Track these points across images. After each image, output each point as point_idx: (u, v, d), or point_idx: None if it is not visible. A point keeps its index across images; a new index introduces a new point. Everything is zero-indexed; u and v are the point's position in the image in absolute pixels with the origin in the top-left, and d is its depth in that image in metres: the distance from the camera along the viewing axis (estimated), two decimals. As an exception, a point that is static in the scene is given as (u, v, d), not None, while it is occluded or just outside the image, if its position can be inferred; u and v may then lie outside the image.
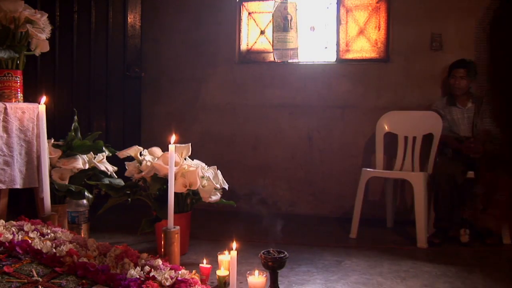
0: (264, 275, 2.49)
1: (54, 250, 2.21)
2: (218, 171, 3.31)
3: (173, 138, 2.57)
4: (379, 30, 4.62)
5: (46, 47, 3.03)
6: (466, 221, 3.72)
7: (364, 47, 4.68)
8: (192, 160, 3.30)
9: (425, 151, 4.04)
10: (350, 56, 4.70)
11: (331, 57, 4.71)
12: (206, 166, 3.29)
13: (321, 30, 4.81)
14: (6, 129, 2.71)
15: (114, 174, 3.42)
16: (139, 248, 2.42)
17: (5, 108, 2.70)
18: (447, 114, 4.05)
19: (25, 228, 2.42)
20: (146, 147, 3.42)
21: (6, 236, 2.28)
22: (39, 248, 2.21)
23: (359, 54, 4.68)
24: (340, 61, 4.67)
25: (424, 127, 4.09)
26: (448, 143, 3.95)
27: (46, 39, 2.99)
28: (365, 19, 4.66)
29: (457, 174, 3.66)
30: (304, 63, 4.77)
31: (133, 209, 3.64)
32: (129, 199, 3.30)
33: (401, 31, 4.48)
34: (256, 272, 2.48)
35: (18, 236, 2.33)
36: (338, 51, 4.68)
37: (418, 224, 3.62)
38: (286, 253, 2.54)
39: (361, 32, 4.67)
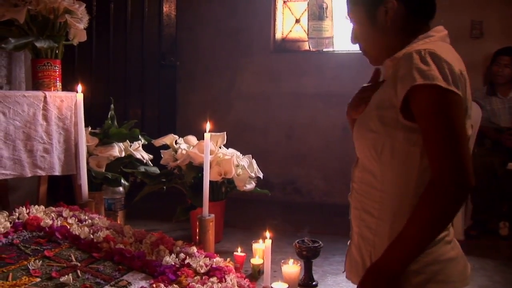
0: (299, 264, 2.49)
1: (91, 236, 2.25)
2: (253, 159, 3.31)
3: (208, 126, 2.58)
4: (416, 17, 4.53)
5: (83, 37, 3.07)
6: (506, 214, 3.63)
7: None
8: (227, 148, 3.31)
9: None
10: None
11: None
12: (241, 155, 3.30)
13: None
14: (45, 117, 2.76)
15: (150, 162, 3.45)
16: (174, 236, 2.44)
17: (45, 97, 2.75)
18: (486, 104, 3.94)
19: (64, 214, 2.47)
20: (181, 135, 3.44)
21: (46, 221, 2.34)
22: (77, 233, 2.26)
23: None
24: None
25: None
26: (487, 134, 3.85)
27: (84, 28, 3.03)
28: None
29: (496, 165, 3.57)
30: (340, 52, 4.71)
31: (168, 197, 3.67)
32: (164, 187, 3.33)
33: (439, 18, 4.35)
34: (291, 261, 2.48)
35: (57, 221, 2.38)
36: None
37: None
38: (320, 242, 2.54)
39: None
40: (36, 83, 2.87)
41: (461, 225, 3.49)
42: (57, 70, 2.92)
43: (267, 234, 2.31)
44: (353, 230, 1.44)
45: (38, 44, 2.75)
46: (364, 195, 1.35)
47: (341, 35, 4.73)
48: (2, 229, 2.19)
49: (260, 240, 2.71)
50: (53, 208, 2.55)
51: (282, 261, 2.51)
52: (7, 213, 2.39)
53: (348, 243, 1.50)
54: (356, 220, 1.40)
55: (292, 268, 2.46)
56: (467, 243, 3.36)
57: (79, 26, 2.96)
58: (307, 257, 2.53)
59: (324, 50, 4.71)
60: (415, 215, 1.20)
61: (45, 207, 2.54)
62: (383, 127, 1.26)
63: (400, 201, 1.27)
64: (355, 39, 1.45)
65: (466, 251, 1.38)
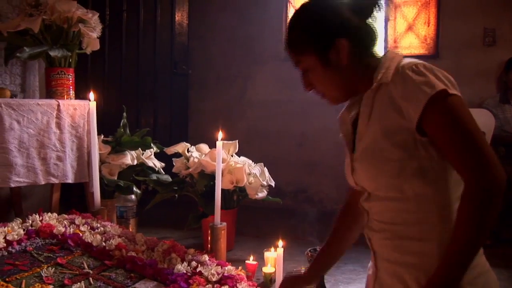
0: (310, 273, 2.47)
1: (103, 243, 2.26)
2: (265, 168, 3.30)
3: (220, 135, 2.58)
4: (428, 25, 4.52)
5: (96, 46, 3.10)
6: (520, 223, 3.59)
7: (413, 43, 4.59)
8: (239, 157, 3.31)
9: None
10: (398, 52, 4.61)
11: (379, 54, 4.63)
12: (253, 163, 3.30)
13: (368, 26, 4.75)
14: (59, 125, 2.78)
15: (162, 170, 3.46)
16: (185, 244, 2.44)
17: (58, 105, 2.78)
18: (499, 112, 3.91)
19: (77, 222, 2.48)
20: (193, 143, 3.45)
21: (58, 228, 2.35)
22: (89, 241, 2.27)
23: (408, 51, 4.58)
24: (388, 57, 4.59)
25: (476, 125, 3.97)
26: (500, 141, 3.81)
27: (97, 37, 3.05)
28: (414, 14, 4.57)
29: (510, 174, 3.53)
30: (351, 59, 4.70)
31: (180, 205, 3.68)
32: (176, 195, 3.34)
33: (451, 26, 4.36)
34: (303, 269, 2.46)
35: (70, 229, 2.39)
36: (386, 47, 4.60)
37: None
38: (332, 251, 2.52)
39: (409, 28, 4.58)
40: (50, 91, 2.90)
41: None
42: (71, 79, 2.94)
43: (280, 242, 2.30)
44: (381, 259, 1.40)
45: (52, 53, 2.78)
46: (396, 223, 1.32)
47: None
48: (16, 236, 2.21)
49: (272, 249, 2.69)
50: (66, 216, 2.57)
51: (294, 269, 2.50)
52: (20, 220, 2.40)
53: (371, 272, 1.47)
54: (388, 249, 1.36)
55: (304, 276, 2.45)
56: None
57: (92, 35, 2.99)
58: (319, 266, 2.52)
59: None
60: (461, 223, 1.18)
61: (58, 215, 2.56)
62: (404, 151, 1.24)
63: (443, 215, 1.26)
64: (309, 86, 1.45)
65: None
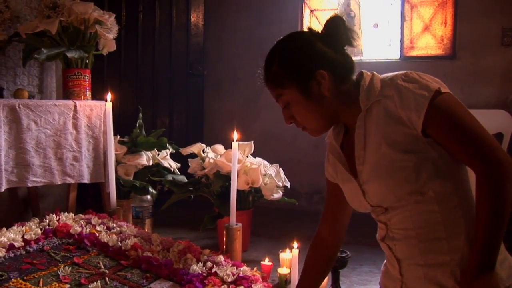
0: (326, 274, 2.46)
1: (119, 243, 2.27)
2: (280, 169, 3.30)
3: (235, 135, 2.58)
4: (445, 26, 4.48)
5: (113, 47, 3.12)
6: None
7: (429, 43, 4.55)
8: (254, 157, 3.31)
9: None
10: (414, 53, 4.58)
11: (395, 55, 4.61)
12: (268, 164, 3.29)
13: (384, 27, 4.72)
14: (75, 126, 2.80)
15: (177, 171, 3.47)
16: (201, 244, 2.44)
17: (75, 106, 2.80)
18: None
19: (93, 222, 2.50)
20: (208, 144, 3.45)
21: (75, 228, 2.37)
22: (105, 241, 2.28)
23: (424, 51, 4.55)
24: (404, 58, 4.56)
25: (493, 126, 3.92)
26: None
27: (113, 38, 3.07)
28: (430, 15, 4.53)
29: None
30: (368, 60, 4.67)
31: (195, 206, 3.68)
32: (192, 196, 3.34)
33: (469, 26, 4.32)
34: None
35: (86, 229, 2.41)
36: (402, 48, 4.57)
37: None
38: (348, 252, 2.50)
39: (426, 28, 4.54)
40: (67, 92, 2.92)
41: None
42: (87, 80, 2.97)
43: (295, 243, 2.29)
44: (408, 266, 1.40)
45: (69, 54, 2.80)
46: (421, 227, 1.33)
47: (370, 43, 4.71)
48: (33, 236, 2.23)
49: (287, 250, 2.69)
50: (82, 216, 2.58)
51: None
52: (38, 219, 2.43)
53: (392, 281, 1.48)
54: (415, 254, 1.36)
55: (320, 278, 2.44)
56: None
57: (108, 36, 3.01)
58: (335, 267, 2.50)
59: (353, 58, 4.67)
60: (482, 211, 1.23)
61: (74, 215, 2.58)
62: (416, 155, 1.28)
63: (465, 207, 1.31)
64: (290, 118, 1.49)
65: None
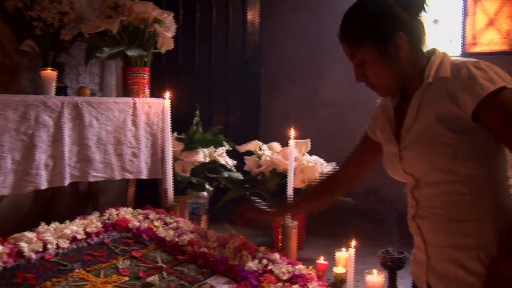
0: (383, 275, 2.42)
1: (176, 239, 2.30)
2: (337, 167, 3.25)
3: (292, 133, 2.57)
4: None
5: (171, 45, 3.16)
6: None
7: (494, 39, 4.37)
8: (311, 156, 3.28)
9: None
10: (477, 49, 4.41)
11: (456, 51, 4.46)
12: (325, 162, 3.26)
13: (445, 22, 4.58)
14: (134, 123, 2.86)
15: (234, 168, 3.49)
16: (256, 241, 2.44)
17: (134, 103, 2.86)
18: None
19: (151, 217, 2.54)
20: (263, 142, 3.45)
21: (133, 223, 2.42)
22: (163, 236, 2.32)
23: (487, 47, 4.38)
24: (466, 55, 4.41)
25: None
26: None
27: (171, 37, 3.12)
28: (495, 8, 4.35)
29: None
30: (427, 57, 4.56)
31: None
32: (248, 193, 3.35)
33: None
34: (375, 271, 2.41)
35: (144, 223, 2.46)
36: (464, 44, 4.42)
37: None
38: (406, 253, 2.45)
39: (490, 23, 4.37)
40: (126, 89, 2.99)
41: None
42: (146, 77, 3.02)
43: (352, 242, 2.26)
44: (433, 247, 1.44)
45: (129, 53, 2.86)
46: (449, 207, 1.37)
47: (430, 40, 4.57)
48: (94, 229, 2.30)
49: (343, 249, 2.65)
50: (140, 211, 2.64)
51: (366, 271, 2.45)
52: (98, 213, 2.50)
53: (418, 263, 1.52)
54: (439, 234, 1.41)
55: (377, 278, 2.40)
56: None
57: (167, 35, 3.06)
58: (392, 268, 2.46)
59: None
60: None
61: (133, 209, 2.63)
62: (459, 135, 1.31)
63: (496, 194, 1.33)
64: (361, 77, 1.52)
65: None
